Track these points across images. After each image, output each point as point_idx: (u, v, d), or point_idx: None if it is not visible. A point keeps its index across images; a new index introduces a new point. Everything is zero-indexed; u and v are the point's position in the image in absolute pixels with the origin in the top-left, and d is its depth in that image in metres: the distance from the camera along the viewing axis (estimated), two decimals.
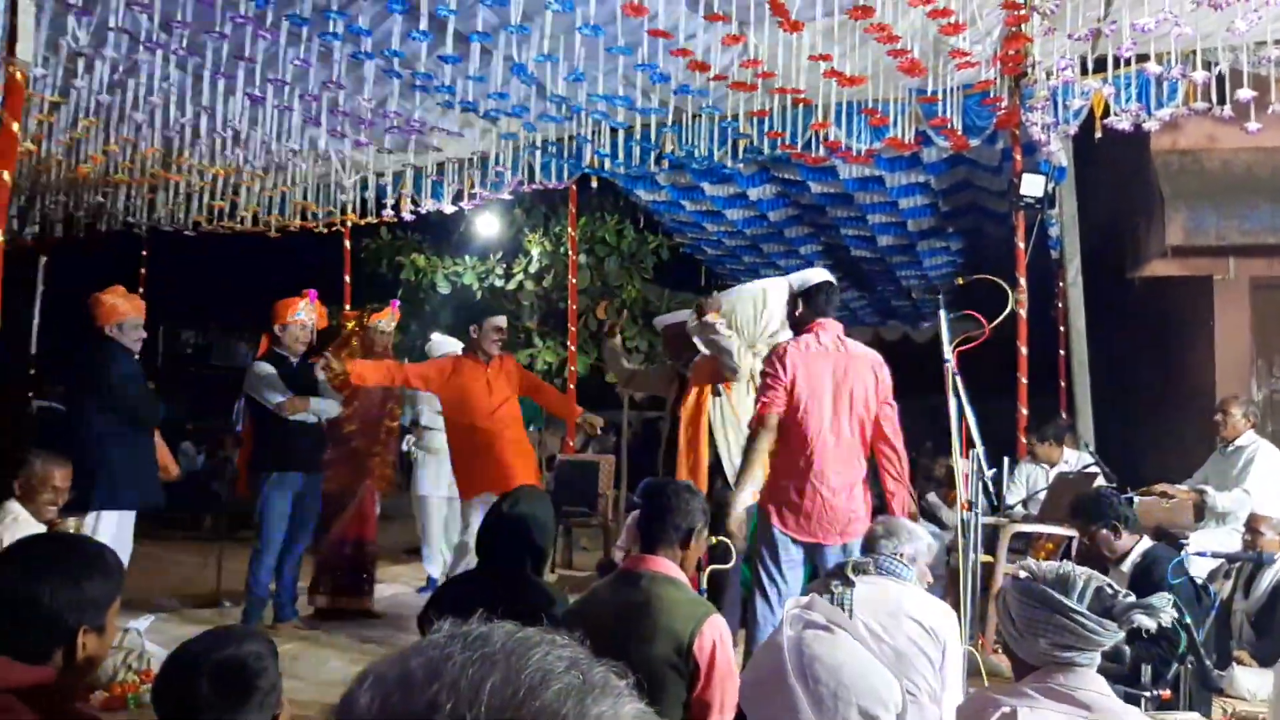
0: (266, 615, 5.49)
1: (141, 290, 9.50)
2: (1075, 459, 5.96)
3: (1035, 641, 1.96)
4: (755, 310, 4.92)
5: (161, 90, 5.66)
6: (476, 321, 5.63)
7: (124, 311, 5.04)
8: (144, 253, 9.40)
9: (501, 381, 5.50)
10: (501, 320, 5.72)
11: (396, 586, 6.73)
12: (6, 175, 3.53)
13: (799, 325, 4.13)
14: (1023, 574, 2.01)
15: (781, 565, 3.98)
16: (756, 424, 4.02)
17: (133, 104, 5.87)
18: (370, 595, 5.98)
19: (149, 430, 5.16)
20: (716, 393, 4.82)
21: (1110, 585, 2.00)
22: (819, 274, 4.22)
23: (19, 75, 3.55)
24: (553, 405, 6.33)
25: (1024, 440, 5.98)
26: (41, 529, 3.83)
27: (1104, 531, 4.00)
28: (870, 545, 2.84)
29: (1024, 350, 5.84)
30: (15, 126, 3.58)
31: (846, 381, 3.99)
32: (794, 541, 3.98)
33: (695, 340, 4.77)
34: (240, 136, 6.49)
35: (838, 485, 3.94)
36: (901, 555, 2.82)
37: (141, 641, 4.09)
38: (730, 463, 4.68)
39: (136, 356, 5.18)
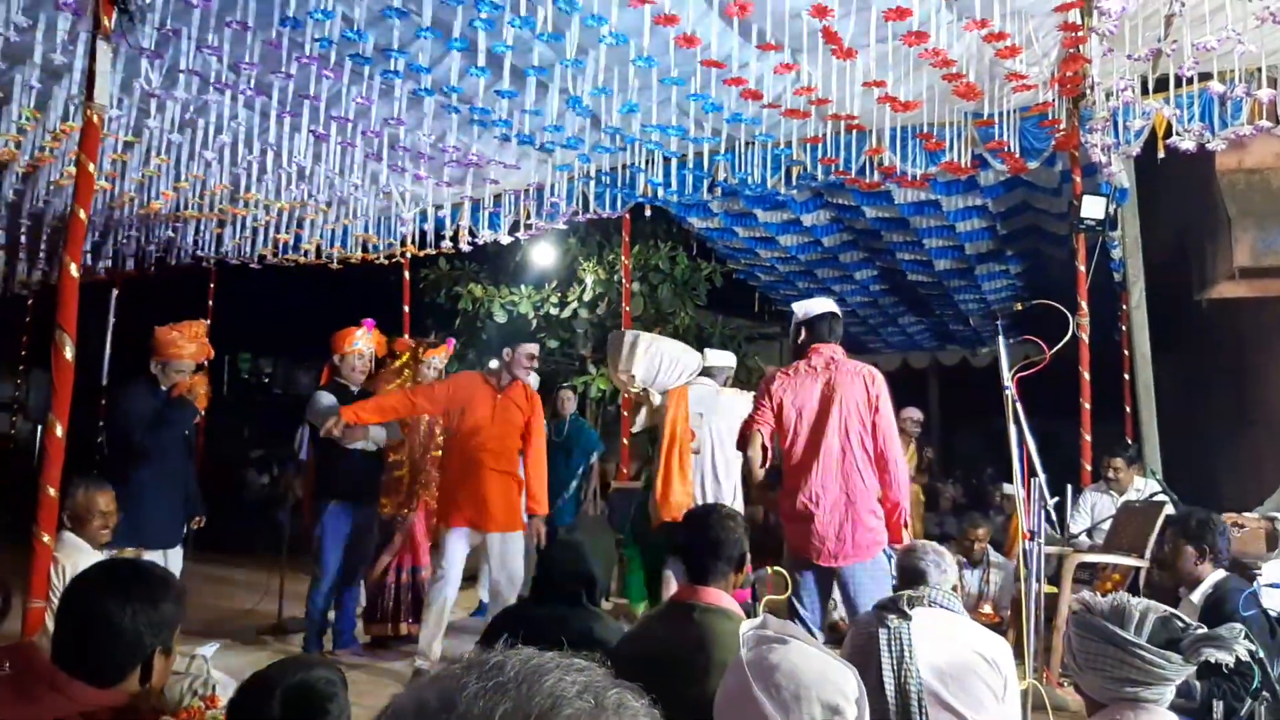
0: (326, 642, 5.57)
1: (209, 321, 9.81)
2: (1143, 486, 5.81)
3: (1098, 677, 1.92)
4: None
5: (230, 129, 5.85)
6: (511, 345, 5.47)
7: (180, 353, 4.97)
8: (211, 285, 9.69)
9: (511, 412, 5.28)
10: (534, 348, 5.49)
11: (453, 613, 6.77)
12: (83, 213, 3.68)
13: (800, 350, 4.26)
14: (1077, 607, 1.97)
15: (799, 588, 4.03)
16: (741, 443, 4.22)
17: (202, 142, 6.07)
18: None
19: (165, 472, 4.91)
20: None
21: (1179, 617, 1.95)
22: (823, 304, 4.36)
23: (95, 118, 3.70)
24: (528, 461, 5.42)
25: (1087, 468, 5.85)
26: (99, 557, 3.92)
27: (1190, 549, 3.85)
28: (920, 577, 2.79)
29: (1086, 375, 5.72)
30: (91, 166, 3.73)
31: (835, 398, 4.06)
32: (802, 563, 4.02)
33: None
34: (305, 172, 6.69)
35: (830, 504, 3.98)
36: (953, 587, 2.77)
37: (207, 667, 4.17)
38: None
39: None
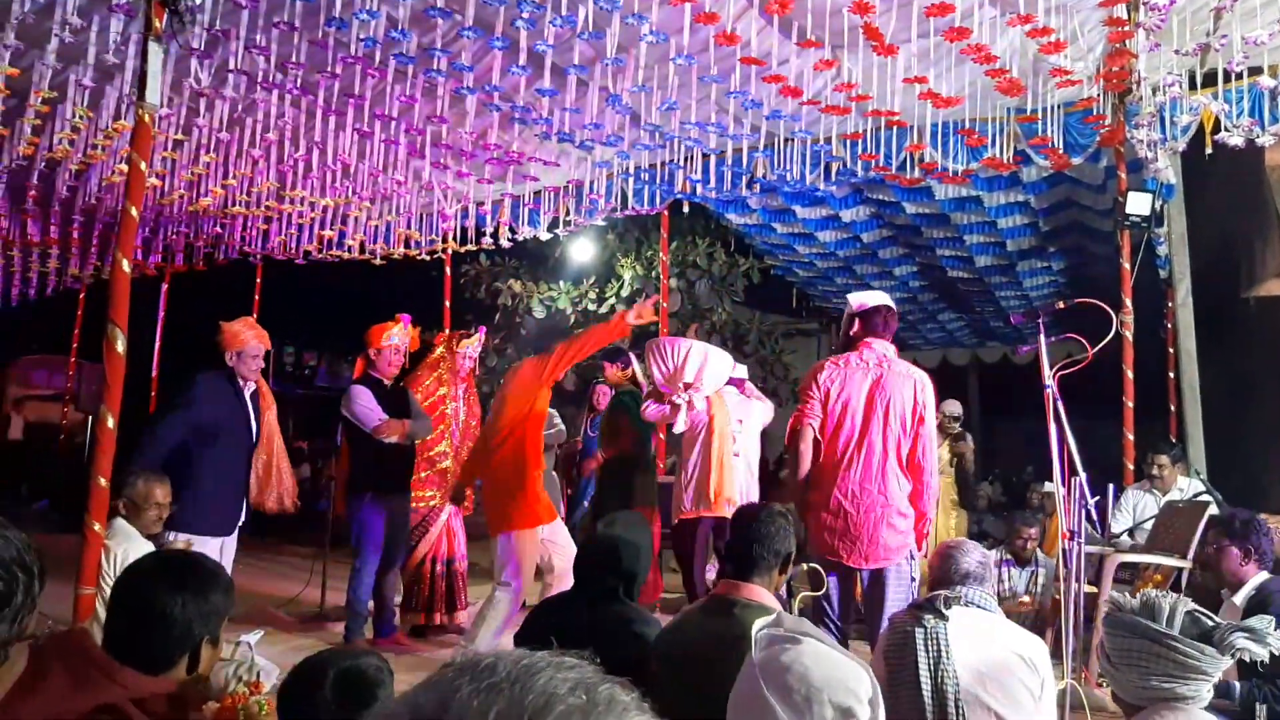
0: (366, 631, 5.66)
1: (255, 315, 9.99)
2: (1187, 486, 5.73)
3: (1133, 674, 1.92)
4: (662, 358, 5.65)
5: (277, 127, 5.96)
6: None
7: (245, 339, 5.05)
8: (258, 280, 9.85)
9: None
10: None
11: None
12: (135, 210, 3.77)
13: (850, 343, 4.18)
14: (1108, 606, 1.97)
15: (829, 589, 4.00)
16: (790, 435, 4.17)
17: (250, 140, 6.18)
18: (463, 612, 6.11)
19: (223, 462, 4.89)
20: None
21: (1205, 612, 1.94)
22: (878, 297, 4.28)
23: (147, 117, 3.79)
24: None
25: (1130, 467, 5.78)
26: (149, 546, 4.02)
27: (1234, 550, 3.79)
28: (956, 577, 2.78)
29: (1130, 374, 5.65)
30: (142, 164, 3.82)
31: (883, 397, 4.00)
32: (832, 564, 3.97)
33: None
34: (349, 169, 6.79)
35: (867, 504, 3.93)
36: (987, 587, 2.76)
37: (251, 654, 4.27)
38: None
39: (250, 385, 5.11)
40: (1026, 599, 5.93)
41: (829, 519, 3.98)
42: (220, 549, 4.76)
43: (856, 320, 4.20)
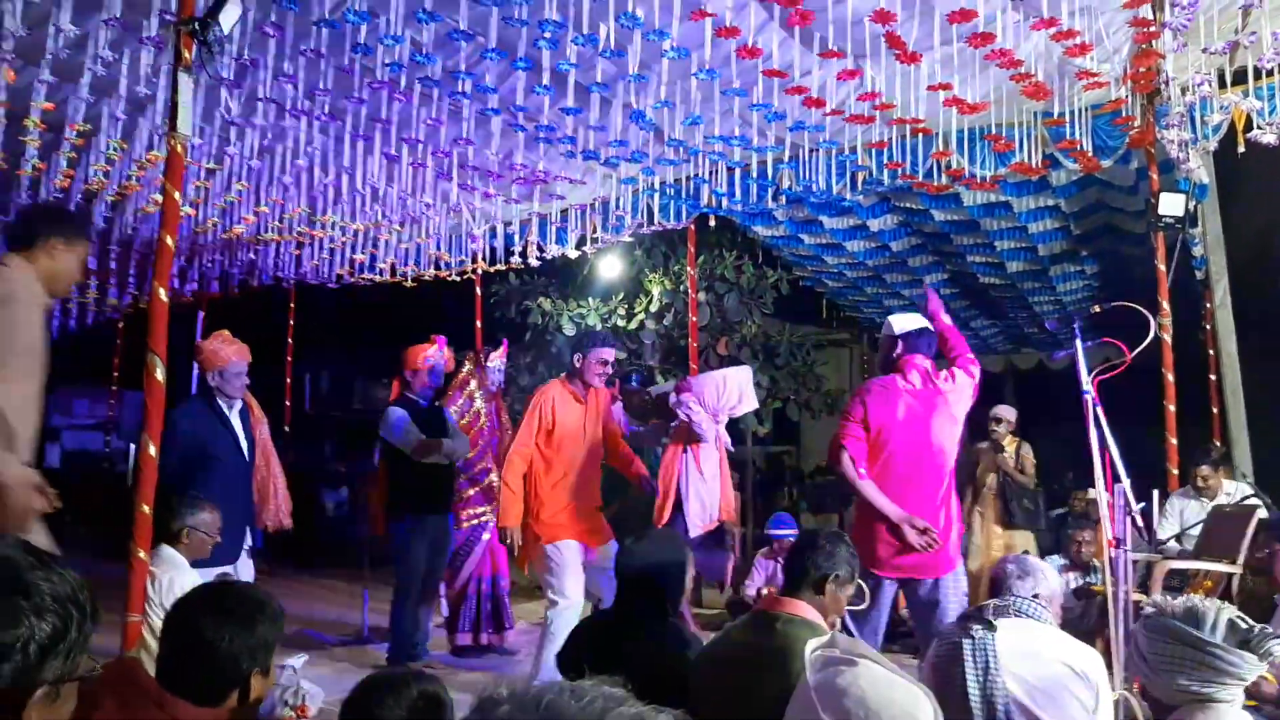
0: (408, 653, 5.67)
1: (290, 340, 10.10)
2: (1234, 490, 5.63)
3: (1171, 679, 1.93)
4: (716, 391, 5.91)
5: (306, 154, 6.03)
6: (581, 350, 5.21)
7: (226, 357, 4.96)
8: (291, 305, 9.97)
9: (594, 418, 5.13)
10: (608, 353, 5.19)
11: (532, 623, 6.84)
12: (170, 239, 3.83)
13: (892, 364, 4.27)
14: (1148, 609, 1.98)
15: (872, 600, 4.00)
16: (831, 458, 4.24)
17: (281, 167, 6.27)
18: (510, 631, 6.11)
19: (220, 487, 4.76)
20: (685, 450, 5.90)
21: (1244, 618, 1.94)
22: (917, 320, 4.40)
23: (179, 147, 3.85)
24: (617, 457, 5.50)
25: (1174, 472, 5.68)
26: (196, 574, 4.06)
27: None
28: (1005, 587, 2.75)
29: (1170, 377, 5.56)
30: (176, 194, 3.87)
31: (926, 415, 4.10)
32: (878, 578, 4.02)
33: (675, 409, 5.89)
34: (378, 193, 6.86)
35: (929, 516, 4.01)
36: (1039, 596, 2.72)
37: (297, 678, 4.30)
38: (697, 500, 5.78)
39: (236, 404, 4.99)
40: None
41: (883, 533, 4.02)
42: (234, 572, 4.67)
43: (899, 343, 4.29)
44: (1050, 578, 2.83)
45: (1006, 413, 7.37)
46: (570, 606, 4.72)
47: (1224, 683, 1.90)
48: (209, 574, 4.36)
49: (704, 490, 5.79)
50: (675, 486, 5.85)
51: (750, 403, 6.19)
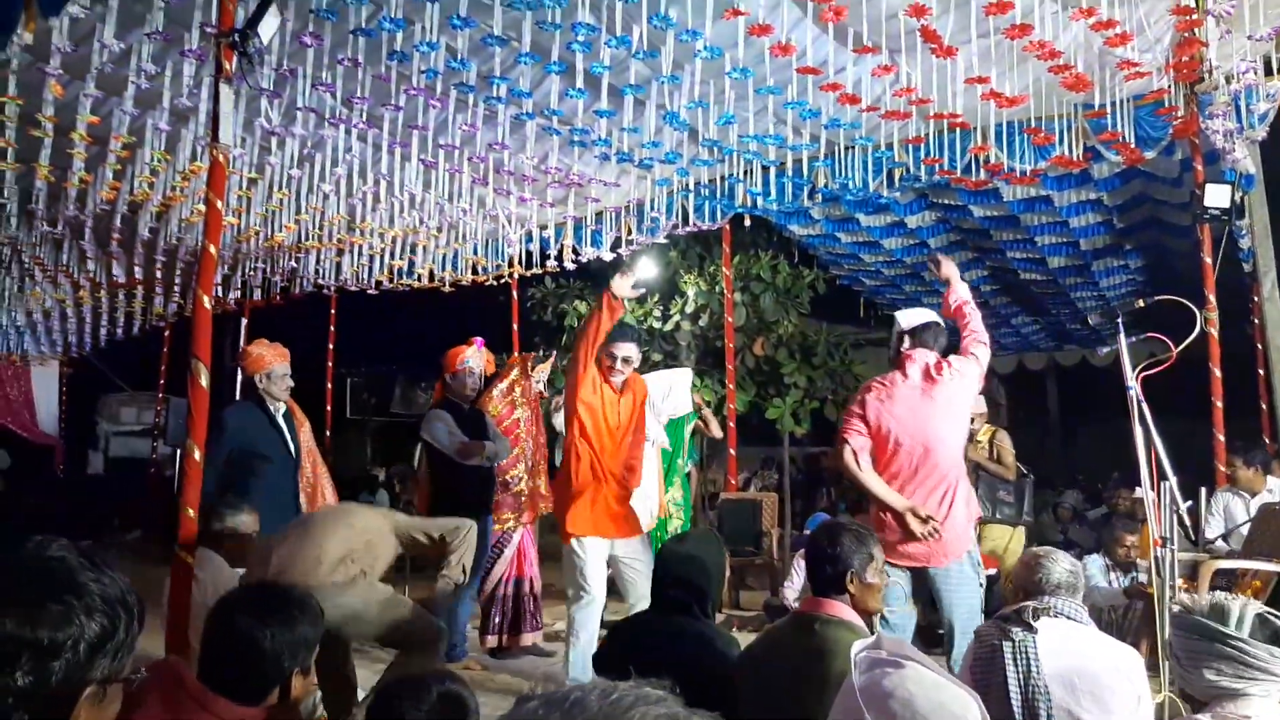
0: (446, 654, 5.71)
1: (331, 345, 10.23)
2: (1277, 488, 5.50)
3: (1201, 675, 1.94)
4: (662, 393, 5.97)
5: (345, 162, 6.11)
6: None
7: (269, 360, 5.13)
8: (333, 312, 10.10)
9: (628, 410, 4.92)
10: (617, 348, 4.82)
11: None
12: (213, 248, 3.89)
13: (900, 360, 4.32)
14: (1177, 609, 1.98)
15: (889, 596, 4.03)
16: (836, 454, 4.32)
17: (320, 176, 6.35)
18: (540, 632, 6.13)
19: (270, 489, 4.86)
20: None
21: (1276, 614, 1.92)
22: (924, 314, 4.42)
23: (221, 158, 3.91)
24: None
25: (1222, 469, 5.56)
26: (236, 576, 4.12)
27: None
28: (1045, 587, 2.71)
29: (1217, 372, 5.44)
30: (219, 204, 3.94)
31: (925, 408, 4.14)
32: (894, 567, 4.03)
33: None
34: (416, 200, 6.92)
35: (931, 506, 4.06)
36: (1077, 597, 2.68)
37: None
38: (644, 500, 5.43)
39: (280, 407, 5.13)
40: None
41: (893, 523, 4.09)
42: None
43: (906, 338, 4.33)
44: (1079, 575, 2.79)
45: (975, 404, 7.22)
46: (592, 601, 4.71)
47: (1254, 678, 1.89)
48: None
49: (650, 488, 5.63)
50: None
51: (685, 405, 6.39)
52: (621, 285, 4.61)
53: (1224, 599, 1.99)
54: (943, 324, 4.38)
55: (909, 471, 4.13)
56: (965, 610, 4.01)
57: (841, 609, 2.61)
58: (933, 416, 4.14)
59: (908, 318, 4.39)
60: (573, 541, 4.73)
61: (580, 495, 4.75)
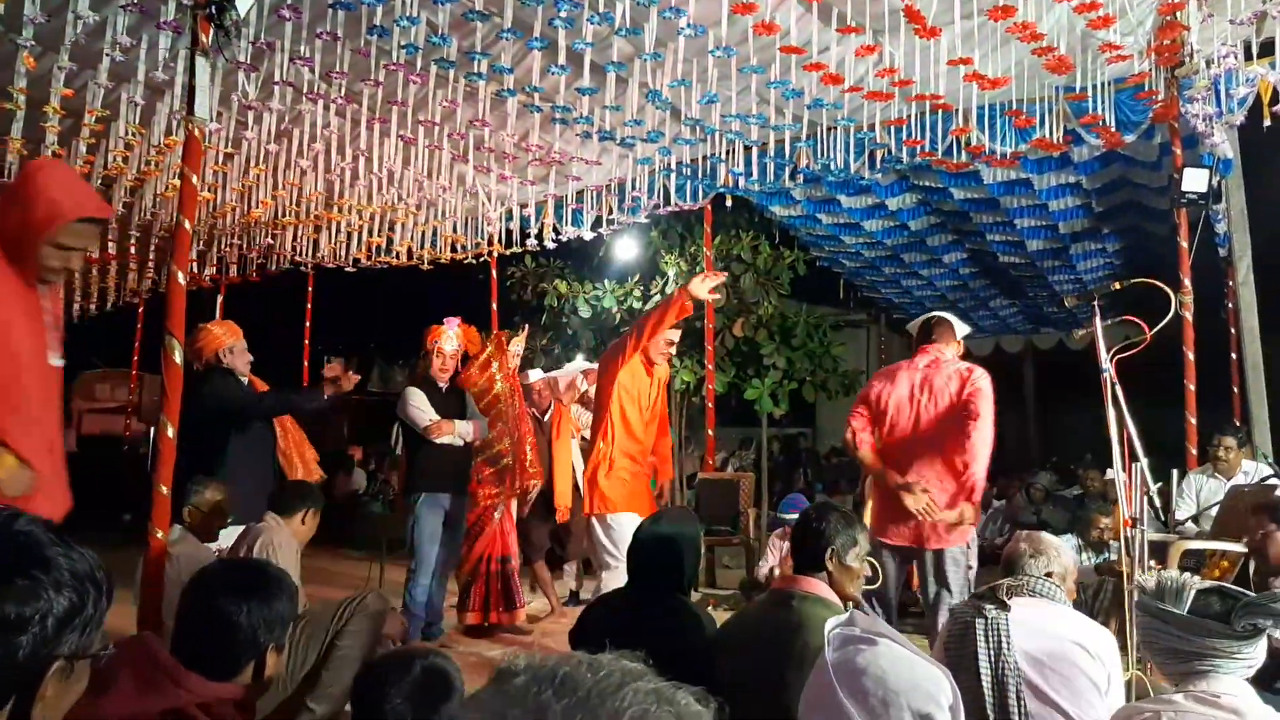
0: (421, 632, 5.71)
1: (308, 323, 10.15)
2: (1253, 470, 5.57)
3: (1158, 655, 1.97)
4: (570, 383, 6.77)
5: (323, 137, 6.04)
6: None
7: (226, 338, 5.19)
8: (309, 289, 10.02)
9: (657, 395, 5.10)
10: (675, 334, 5.04)
11: (543, 601, 6.86)
12: (188, 224, 3.85)
13: (918, 351, 4.59)
14: (1135, 590, 2.01)
15: (886, 580, 4.24)
16: (845, 443, 4.59)
17: (298, 151, 6.28)
18: (520, 610, 6.14)
19: (252, 449, 5.05)
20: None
21: (1239, 592, 1.94)
22: (938, 314, 4.71)
23: (197, 132, 3.86)
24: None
25: (1193, 451, 5.63)
26: (209, 551, 4.11)
27: None
28: (1018, 566, 2.74)
29: (1191, 355, 5.50)
30: (194, 178, 3.89)
31: (926, 393, 4.35)
32: (889, 548, 4.30)
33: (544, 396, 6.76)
34: (394, 177, 6.86)
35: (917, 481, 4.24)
36: (1052, 575, 2.70)
37: None
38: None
39: (245, 380, 5.26)
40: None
41: (891, 505, 4.29)
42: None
43: (918, 332, 4.62)
44: (1063, 555, 2.82)
45: None
46: (622, 566, 4.80)
47: (1202, 655, 1.90)
48: (233, 532, 4.46)
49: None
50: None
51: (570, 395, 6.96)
52: (700, 288, 4.73)
53: (1168, 576, 2.00)
54: (945, 318, 4.64)
55: (906, 450, 4.32)
56: (952, 592, 4.15)
57: (818, 585, 2.64)
58: (926, 402, 4.33)
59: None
60: (608, 516, 4.89)
61: (615, 473, 4.94)
